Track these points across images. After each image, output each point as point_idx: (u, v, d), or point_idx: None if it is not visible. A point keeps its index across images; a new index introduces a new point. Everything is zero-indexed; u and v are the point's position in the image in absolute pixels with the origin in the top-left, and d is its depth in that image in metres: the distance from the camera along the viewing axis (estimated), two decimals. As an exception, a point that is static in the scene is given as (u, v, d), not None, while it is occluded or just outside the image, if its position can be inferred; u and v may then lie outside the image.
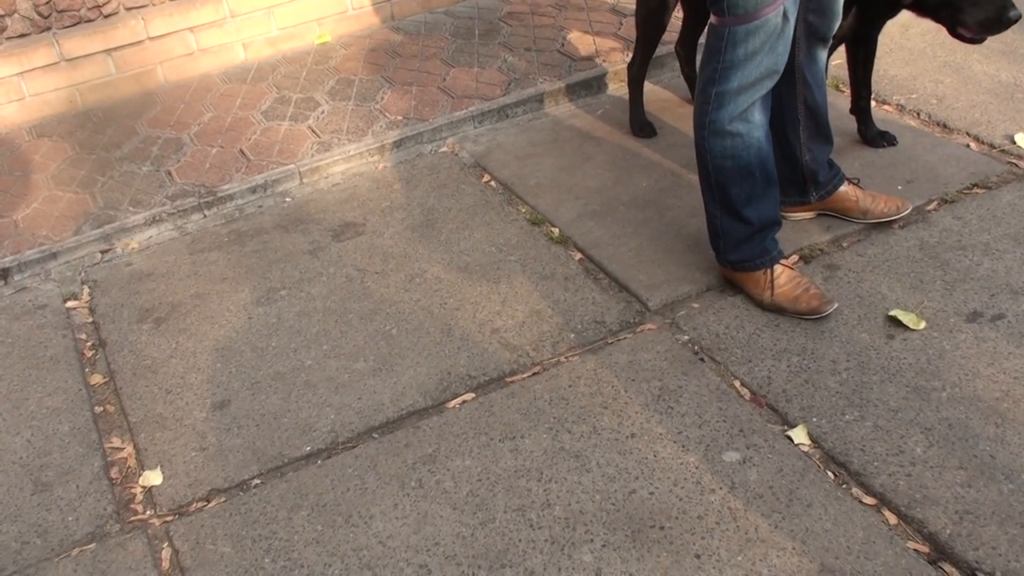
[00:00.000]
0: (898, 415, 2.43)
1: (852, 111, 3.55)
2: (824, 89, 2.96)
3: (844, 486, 2.27)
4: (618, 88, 4.20)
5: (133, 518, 2.42)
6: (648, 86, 3.98)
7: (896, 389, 2.51)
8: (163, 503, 2.45)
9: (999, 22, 2.80)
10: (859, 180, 3.17)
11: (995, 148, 3.45)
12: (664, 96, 4.11)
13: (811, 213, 3.15)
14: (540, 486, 2.35)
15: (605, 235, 3.25)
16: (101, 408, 2.79)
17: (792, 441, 2.40)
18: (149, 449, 2.62)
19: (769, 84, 2.59)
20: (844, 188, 3.08)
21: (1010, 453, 2.28)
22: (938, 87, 3.89)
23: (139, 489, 2.50)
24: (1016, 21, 2.78)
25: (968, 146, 3.49)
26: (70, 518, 2.43)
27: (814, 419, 2.45)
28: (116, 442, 2.66)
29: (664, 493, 2.29)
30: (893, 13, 3.17)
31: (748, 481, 2.30)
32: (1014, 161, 3.35)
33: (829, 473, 2.31)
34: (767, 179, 2.73)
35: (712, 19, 2.56)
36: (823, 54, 2.90)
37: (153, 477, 2.53)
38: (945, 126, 3.63)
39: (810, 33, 2.79)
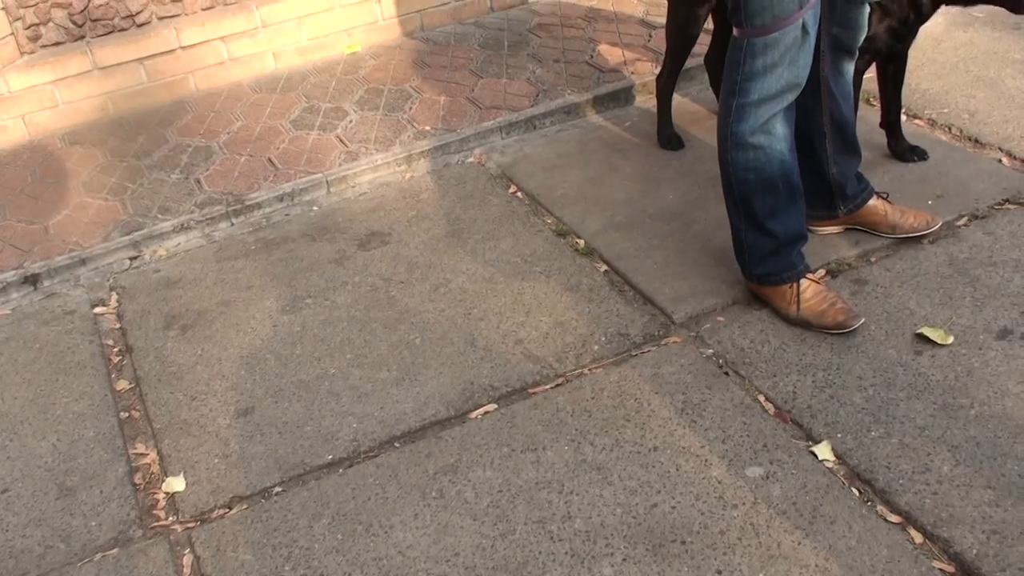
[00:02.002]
0: (925, 432, 2.40)
1: (882, 125, 3.52)
2: (851, 103, 2.94)
3: (869, 503, 2.24)
4: (646, 100, 4.19)
5: (155, 524, 2.43)
6: (676, 98, 3.97)
7: (923, 406, 2.48)
8: (185, 509, 2.46)
9: None
10: (888, 194, 3.13)
11: (1027, 163, 3.41)
12: (692, 108, 4.09)
13: (839, 227, 3.12)
14: (561, 498, 2.34)
15: (631, 247, 3.23)
16: (126, 414, 2.81)
17: (816, 457, 2.37)
18: (173, 455, 2.63)
19: (790, 97, 2.57)
20: (873, 202, 3.05)
21: (1039, 473, 2.25)
22: (970, 101, 3.85)
23: (162, 495, 2.52)
24: None
25: (1000, 161, 3.45)
26: (93, 523, 2.45)
27: (839, 435, 2.43)
28: (140, 448, 2.68)
29: (686, 507, 2.27)
30: (927, 17, 3.13)
31: (771, 497, 2.28)
32: (1047, 177, 3.31)
33: (854, 490, 2.28)
34: (791, 192, 2.70)
35: (734, 31, 2.56)
36: (850, 67, 2.88)
37: (176, 483, 2.54)
38: (977, 141, 3.59)
39: (835, 46, 2.77)
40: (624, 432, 2.51)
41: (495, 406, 2.66)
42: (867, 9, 2.78)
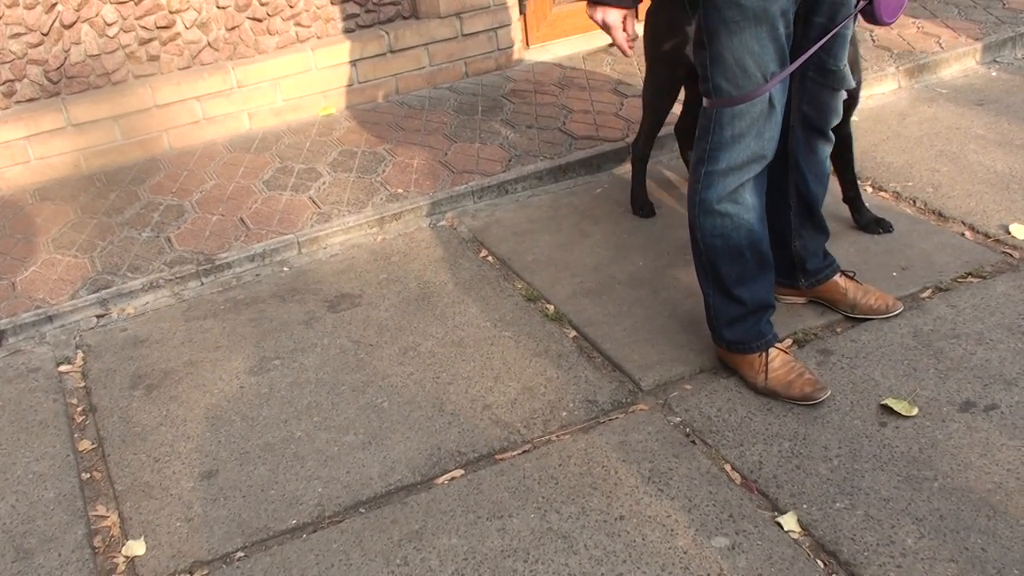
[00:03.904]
0: (889, 504, 2.41)
1: (844, 200, 3.58)
2: (823, 182, 2.96)
3: (834, 576, 2.25)
4: (617, 167, 4.25)
5: (114, 589, 2.39)
6: (648, 165, 4.02)
7: (888, 478, 2.49)
8: (145, 574, 2.42)
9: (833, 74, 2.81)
10: (855, 273, 3.16)
11: (990, 237, 3.47)
12: (663, 176, 4.15)
13: (802, 299, 3.16)
14: (527, 567, 2.32)
15: (600, 313, 3.25)
16: (88, 475, 2.77)
17: (782, 528, 2.38)
18: (134, 518, 2.59)
19: (757, 168, 2.61)
20: (836, 279, 3.08)
21: (1001, 547, 2.26)
22: (934, 175, 3.93)
23: (121, 559, 2.47)
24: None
25: (963, 235, 3.51)
26: (50, 587, 2.41)
27: (805, 506, 2.43)
28: (101, 510, 2.64)
29: (652, 578, 2.27)
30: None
31: (737, 568, 2.27)
32: (1008, 251, 3.37)
33: (819, 562, 2.28)
34: (760, 261, 2.74)
35: (704, 101, 2.61)
36: (824, 147, 2.90)
37: (136, 547, 2.50)
38: (940, 214, 3.66)
39: (806, 124, 2.81)
40: (591, 500, 2.50)
41: (462, 472, 2.65)
42: (842, 95, 2.81)
